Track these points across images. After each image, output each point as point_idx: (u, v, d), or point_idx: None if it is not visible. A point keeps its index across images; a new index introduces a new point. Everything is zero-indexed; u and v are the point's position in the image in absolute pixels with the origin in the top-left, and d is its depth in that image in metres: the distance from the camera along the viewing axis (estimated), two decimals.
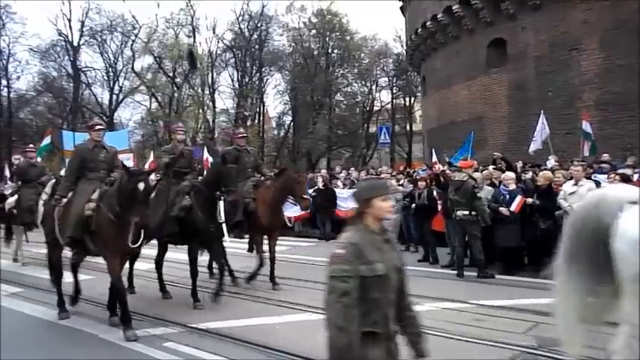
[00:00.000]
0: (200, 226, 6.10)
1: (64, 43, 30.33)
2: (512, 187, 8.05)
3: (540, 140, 11.47)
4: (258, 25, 30.87)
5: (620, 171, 8.38)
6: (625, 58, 12.93)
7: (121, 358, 4.51)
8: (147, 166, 12.43)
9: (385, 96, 34.07)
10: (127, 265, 5.94)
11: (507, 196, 7.88)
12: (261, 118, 32.31)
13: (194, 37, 30.56)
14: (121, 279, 5.26)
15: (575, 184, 7.41)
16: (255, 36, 30.97)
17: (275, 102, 34.34)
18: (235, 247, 7.68)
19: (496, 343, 4.50)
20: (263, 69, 31.89)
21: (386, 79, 33.30)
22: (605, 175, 8.36)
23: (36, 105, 32.14)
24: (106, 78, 31.71)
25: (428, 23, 18.14)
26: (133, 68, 31.31)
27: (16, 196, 9.54)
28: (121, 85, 32.08)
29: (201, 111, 30.68)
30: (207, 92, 31.03)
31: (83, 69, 31.24)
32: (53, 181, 8.43)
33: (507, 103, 15.75)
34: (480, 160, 11.12)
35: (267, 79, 32.56)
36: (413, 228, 10.03)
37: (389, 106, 33.72)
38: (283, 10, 32.16)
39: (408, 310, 2.47)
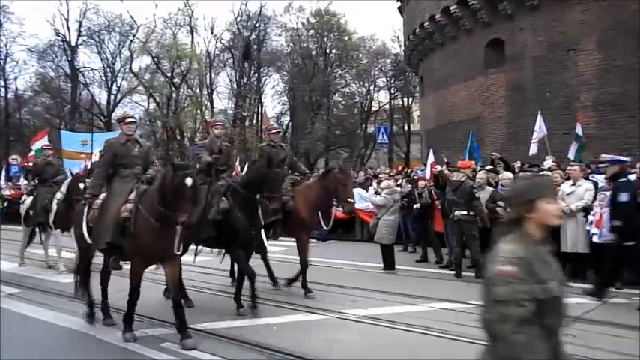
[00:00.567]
0: (240, 229, 5.70)
1: (61, 44, 30.40)
2: None
3: (538, 142, 11.45)
4: (257, 25, 30.89)
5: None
6: (623, 58, 12.91)
7: (118, 359, 4.49)
8: None
9: (383, 96, 34.19)
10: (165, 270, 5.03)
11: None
12: (260, 119, 32.30)
13: (192, 38, 30.63)
14: (140, 283, 4.85)
15: (573, 185, 7.42)
16: (254, 36, 30.98)
17: (273, 102, 34.34)
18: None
19: None
20: (261, 69, 31.91)
21: (384, 79, 33.40)
22: (603, 176, 8.32)
23: (34, 105, 32.10)
24: (103, 78, 31.79)
25: (426, 24, 18.14)
26: (130, 68, 31.38)
27: (31, 197, 9.31)
28: (118, 85, 32.22)
29: (199, 111, 30.66)
30: (205, 92, 31.03)
31: (81, 69, 31.25)
32: (69, 180, 8.41)
33: (505, 103, 15.74)
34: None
35: (265, 80, 32.68)
36: (411, 228, 10.02)
37: (387, 106, 33.75)
38: (281, 11, 32.28)
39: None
